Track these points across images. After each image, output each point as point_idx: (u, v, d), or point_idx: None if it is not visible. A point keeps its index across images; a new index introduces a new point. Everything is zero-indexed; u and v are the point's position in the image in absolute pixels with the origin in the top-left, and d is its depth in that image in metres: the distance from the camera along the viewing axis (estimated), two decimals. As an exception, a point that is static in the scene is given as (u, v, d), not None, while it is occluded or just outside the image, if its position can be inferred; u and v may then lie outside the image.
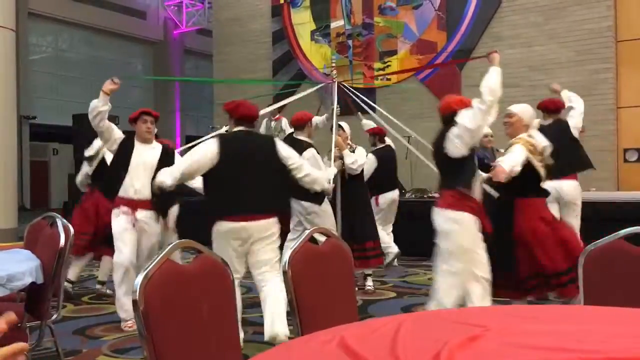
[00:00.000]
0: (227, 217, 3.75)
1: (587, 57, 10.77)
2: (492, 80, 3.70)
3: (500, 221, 3.93)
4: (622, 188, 10.49)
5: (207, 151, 3.77)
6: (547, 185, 4.16)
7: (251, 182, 3.78)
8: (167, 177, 3.79)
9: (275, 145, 3.97)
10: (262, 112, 5.54)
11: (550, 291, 4.02)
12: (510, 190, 3.90)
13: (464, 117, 3.72)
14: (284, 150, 3.96)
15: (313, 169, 4.28)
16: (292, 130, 5.94)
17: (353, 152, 5.79)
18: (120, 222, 4.56)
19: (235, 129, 3.99)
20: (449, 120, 3.84)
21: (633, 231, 2.17)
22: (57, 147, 20.93)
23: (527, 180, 3.90)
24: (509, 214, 3.97)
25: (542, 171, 3.95)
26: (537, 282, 3.93)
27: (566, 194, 5.52)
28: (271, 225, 3.84)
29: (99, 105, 4.50)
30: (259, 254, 3.83)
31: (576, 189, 5.69)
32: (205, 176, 3.86)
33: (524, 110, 4.11)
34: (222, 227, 3.76)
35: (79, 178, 6.36)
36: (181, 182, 3.90)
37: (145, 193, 4.53)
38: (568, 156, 5.25)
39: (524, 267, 3.91)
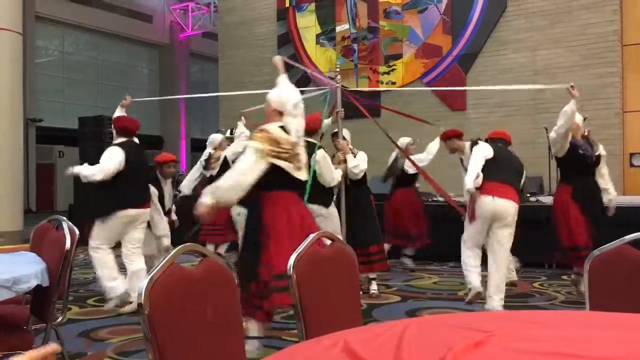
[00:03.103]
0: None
1: (592, 62, 10.75)
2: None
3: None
4: (627, 192, 10.46)
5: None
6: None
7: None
8: (99, 173, 4.96)
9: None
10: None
11: None
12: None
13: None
14: None
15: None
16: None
17: (354, 156, 5.79)
18: None
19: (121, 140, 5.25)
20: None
21: (639, 236, 2.16)
22: (63, 150, 21.02)
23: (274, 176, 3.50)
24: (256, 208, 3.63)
25: (291, 165, 3.52)
26: None
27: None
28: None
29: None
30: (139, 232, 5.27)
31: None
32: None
33: (274, 95, 3.69)
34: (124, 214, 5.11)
35: (185, 183, 6.80)
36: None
37: None
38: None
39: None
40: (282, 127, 3.55)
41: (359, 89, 11.64)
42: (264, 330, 3.69)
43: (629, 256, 2.15)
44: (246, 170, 3.40)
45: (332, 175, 5.27)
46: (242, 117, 6.46)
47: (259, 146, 3.43)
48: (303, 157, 3.66)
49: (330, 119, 5.86)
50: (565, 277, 6.58)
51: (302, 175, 3.64)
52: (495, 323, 1.65)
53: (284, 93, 3.70)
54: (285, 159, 3.49)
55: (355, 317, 2.32)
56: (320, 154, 5.25)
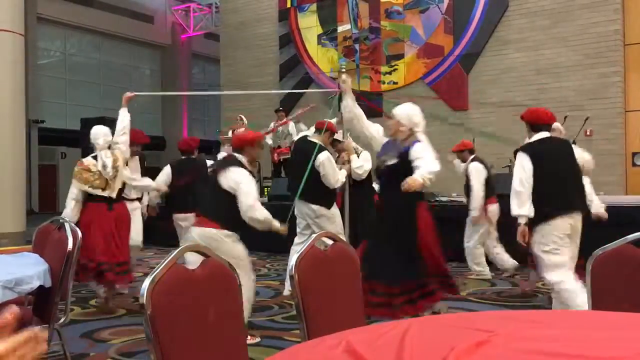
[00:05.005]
0: None
1: (595, 61, 10.73)
2: None
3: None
4: (630, 192, 10.44)
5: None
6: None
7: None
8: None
9: None
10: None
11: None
12: None
13: None
14: None
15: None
16: (298, 134, 5.93)
17: (358, 156, 5.80)
18: None
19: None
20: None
21: (641, 236, 2.15)
22: (65, 151, 21.02)
23: None
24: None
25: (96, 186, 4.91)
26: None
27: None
28: None
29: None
30: None
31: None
32: None
33: None
34: None
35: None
36: None
37: None
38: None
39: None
40: (95, 157, 4.98)
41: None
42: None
43: (631, 256, 2.15)
44: (70, 191, 4.98)
45: (336, 177, 5.28)
46: (242, 118, 6.46)
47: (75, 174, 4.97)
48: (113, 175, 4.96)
49: (335, 119, 5.86)
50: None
51: (111, 192, 4.99)
52: (497, 323, 1.64)
53: (93, 131, 5.04)
54: (92, 182, 4.90)
55: (357, 317, 2.31)
56: (324, 155, 5.25)
